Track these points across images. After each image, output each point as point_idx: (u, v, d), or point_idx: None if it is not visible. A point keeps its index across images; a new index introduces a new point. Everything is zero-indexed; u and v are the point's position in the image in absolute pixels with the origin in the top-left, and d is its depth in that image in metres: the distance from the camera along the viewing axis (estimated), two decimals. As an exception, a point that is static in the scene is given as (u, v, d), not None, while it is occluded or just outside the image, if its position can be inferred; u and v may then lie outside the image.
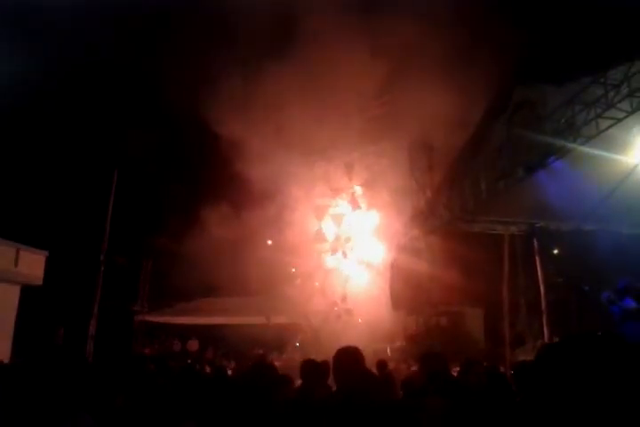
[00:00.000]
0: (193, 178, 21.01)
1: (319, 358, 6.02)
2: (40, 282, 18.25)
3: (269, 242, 19.46)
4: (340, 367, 3.84)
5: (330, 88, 15.59)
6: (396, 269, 15.62)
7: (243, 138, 16.66)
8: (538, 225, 14.14)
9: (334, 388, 4.16)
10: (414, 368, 9.59)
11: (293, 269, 19.32)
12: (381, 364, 8.36)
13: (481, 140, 11.85)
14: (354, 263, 17.25)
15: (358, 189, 17.72)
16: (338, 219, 17.53)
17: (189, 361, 16.82)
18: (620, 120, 9.65)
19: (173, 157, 20.34)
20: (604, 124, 9.85)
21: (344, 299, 16.27)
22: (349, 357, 3.87)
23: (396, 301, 15.55)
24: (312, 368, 5.48)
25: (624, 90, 9.17)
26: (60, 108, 19.07)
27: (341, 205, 17.69)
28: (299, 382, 5.41)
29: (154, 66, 17.23)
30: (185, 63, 17.36)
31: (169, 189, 20.78)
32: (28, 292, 17.97)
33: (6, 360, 11.07)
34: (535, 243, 14.37)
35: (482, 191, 12.68)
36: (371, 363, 6.83)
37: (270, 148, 16.85)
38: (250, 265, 18.05)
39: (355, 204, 17.26)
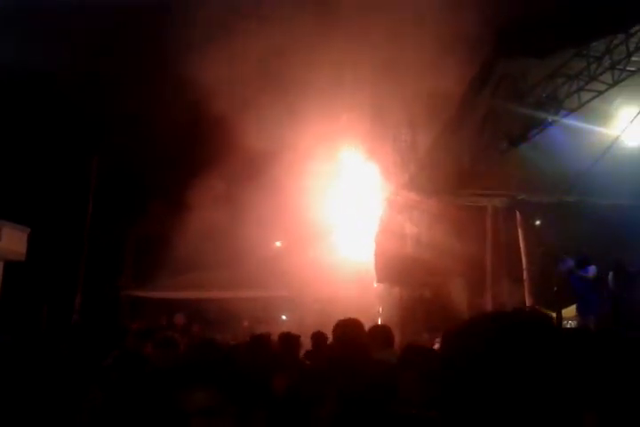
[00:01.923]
0: (176, 151, 20.80)
1: (304, 329, 6.11)
2: (23, 258, 18.20)
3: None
4: (339, 339, 3.86)
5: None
6: (379, 243, 15.70)
7: (226, 108, 16.47)
8: (520, 197, 14.26)
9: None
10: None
11: (278, 244, 19.39)
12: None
13: (464, 113, 11.83)
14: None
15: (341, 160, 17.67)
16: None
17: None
18: (601, 93, 9.69)
19: (156, 132, 20.09)
20: (586, 96, 9.89)
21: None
22: (350, 329, 3.89)
23: (381, 273, 15.66)
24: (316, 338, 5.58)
25: (606, 62, 9.18)
26: (40, 86, 18.74)
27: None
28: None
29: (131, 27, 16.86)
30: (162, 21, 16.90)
31: (152, 164, 20.58)
32: (11, 268, 17.92)
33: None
34: (518, 215, 14.53)
35: (465, 164, 12.72)
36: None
37: (253, 120, 16.72)
38: (235, 240, 18.06)
39: None
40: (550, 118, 10.36)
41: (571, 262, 10.75)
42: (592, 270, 10.56)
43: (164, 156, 20.80)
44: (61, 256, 20.17)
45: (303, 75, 15.60)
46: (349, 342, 3.86)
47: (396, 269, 15.31)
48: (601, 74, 9.34)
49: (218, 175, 18.88)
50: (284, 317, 18.49)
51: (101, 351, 4.67)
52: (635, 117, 11.21)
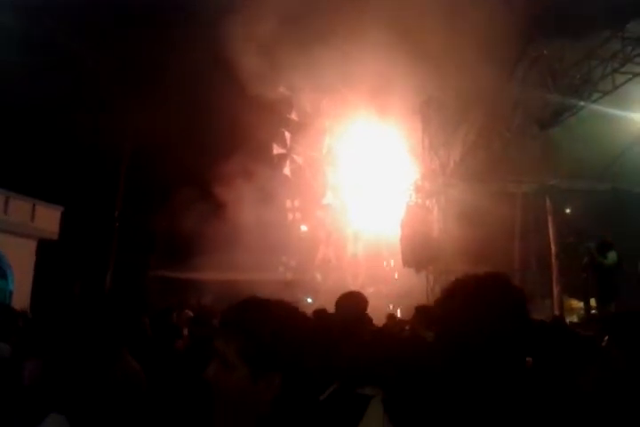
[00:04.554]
0: (209, 135, 20.91)
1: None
2: (56, 236, 18.57)
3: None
4: (340, 310, 3.87)
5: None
6: (405, 227, 15.63)
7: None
8: (550, 183, 14.03)
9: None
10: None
11: (304, 228, 19.47)
12: (391, 316, 8.62)
13: (495, 96, 11.70)
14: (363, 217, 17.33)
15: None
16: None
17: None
18: (637, 75, 9.46)
19: (190, 118, 20.25)
20: (620, 79, 9.66)
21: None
22: (350, 300, 3.91)
23: (406, 257, 15.60)
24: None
25: (642, 44, 8.99)
26: (77, 72, 19.05)
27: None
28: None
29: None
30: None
31: (182, 147, 20.72)
32: (44, 246, 18.30)
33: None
34: (547, 202, 14.29)
35: (495, 149, 12.58)
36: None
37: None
38: (264, 224, 18.19)
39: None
40: (583, 102, 10.17)
41: (591, 247, 10.34)
42: (612, 257, 10.15)
43: (196, 139, 20.96)
44: (94, 235, 20.51)
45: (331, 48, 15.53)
46: (348, 312, 3.83)
47: (422, 255, 15.21)
48: (637, 55, 9.13)
49: (248, 160, 19.02)
50: (309, 300, 18.60)
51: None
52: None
